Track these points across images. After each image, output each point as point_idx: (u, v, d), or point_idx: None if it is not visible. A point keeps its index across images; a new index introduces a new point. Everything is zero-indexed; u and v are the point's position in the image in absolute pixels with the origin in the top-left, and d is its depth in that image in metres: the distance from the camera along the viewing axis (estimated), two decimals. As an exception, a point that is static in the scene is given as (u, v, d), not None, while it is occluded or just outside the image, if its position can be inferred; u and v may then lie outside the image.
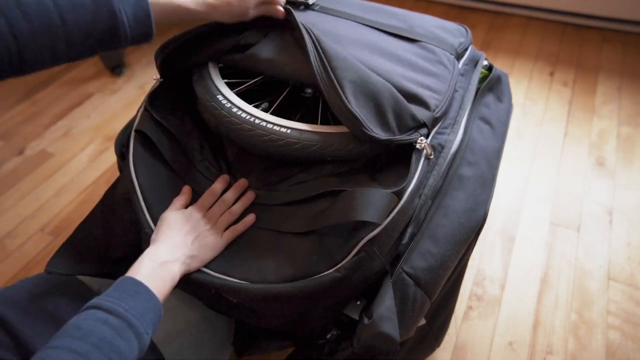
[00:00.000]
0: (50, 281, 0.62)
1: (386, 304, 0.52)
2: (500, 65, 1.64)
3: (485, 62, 0.81)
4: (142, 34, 0.56)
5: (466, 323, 0.96)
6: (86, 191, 1.28)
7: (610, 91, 1.52)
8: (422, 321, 0.65)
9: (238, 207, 0.61)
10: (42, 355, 0.37)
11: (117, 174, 0.76)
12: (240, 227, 0.59)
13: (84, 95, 1.62)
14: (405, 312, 0.54)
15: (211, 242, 0.57)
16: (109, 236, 0.66)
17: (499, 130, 0.74)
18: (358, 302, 0.60)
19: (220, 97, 0.63)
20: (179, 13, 0.58)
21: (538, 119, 1.44)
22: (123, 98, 1.60)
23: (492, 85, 0.78)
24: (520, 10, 1.87)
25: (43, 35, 0.48)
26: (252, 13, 0.66)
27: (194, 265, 0.54)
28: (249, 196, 0.62)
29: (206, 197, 0.61)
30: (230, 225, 0.60)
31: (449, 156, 0.64)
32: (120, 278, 0.48)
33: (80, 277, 0.65)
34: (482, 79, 0.77)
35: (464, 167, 0.65)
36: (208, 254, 0.56)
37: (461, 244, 0.60)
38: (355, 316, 0.58)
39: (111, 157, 1.38)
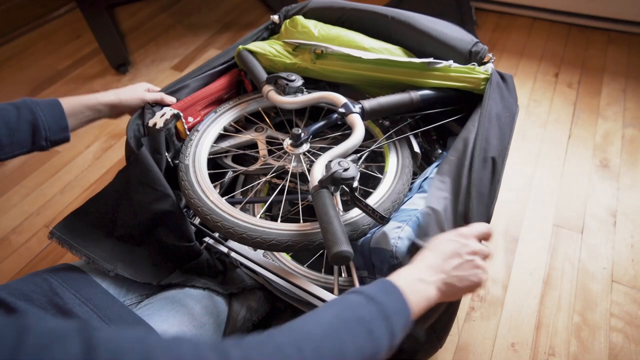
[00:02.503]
0: (58, 275, 0.63)
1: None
2: (504, 66, 1.64)
3: (490, 65, 0.81)
4: (61, 136, 0.68)
5: (468, 324, 0.96)
6: (91, 188, 1.29)
7: (615, 93, 1.51)
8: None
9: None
10: (310, 315, 0.41)
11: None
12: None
13: (89, 93, 1.62)
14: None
15: (474, 278, 0.51)
16: (117, 214, 0.69)
17: (505, 132, 0.74)
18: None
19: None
20: (84, 107, 0.73)
21: (542, 120, 1.43)
22: (128, 96, 1.61)
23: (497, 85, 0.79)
24: (525, 10, 1.87)
25: None
26: (149, 97, 0.79)
27: (449, 293, 0.50)
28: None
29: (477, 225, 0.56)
30: None
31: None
32: (380, 279, 0.48)
33: (87, 271, 0.66)
34: (482, 79, 0.77)
35: (481, 173, 0.65)
36: (463, 288, 0.51)
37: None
38: None
39: (115, 155, 1.39)
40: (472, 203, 0.60)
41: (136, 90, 0.79)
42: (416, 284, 0.48)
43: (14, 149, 0.63)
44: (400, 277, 0.48)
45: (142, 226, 0.69)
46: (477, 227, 0.55)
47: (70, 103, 0.70)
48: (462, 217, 0.60)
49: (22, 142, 0.64)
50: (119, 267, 0.66)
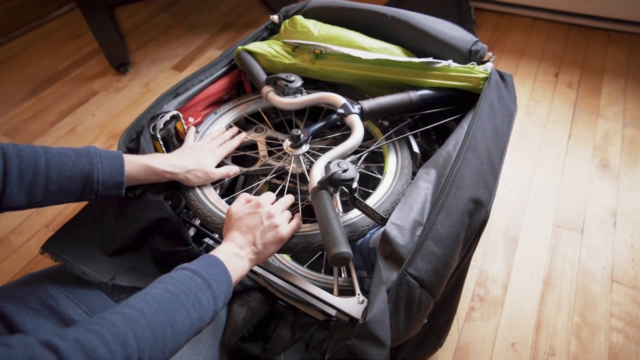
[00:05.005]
0: (52, 277, 0.62)
1: (380, 307, 0.53)
2: (504, 66, 1.64)
3: (490, 64, 0.81)
4: (112, 192, 0.63)
5: (468, 324, 0.96)
6: (91, 189, 1.29)
7: (615, 93, 1.51)
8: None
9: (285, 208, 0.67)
10: (146, 291, 0.47)
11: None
12: (299, 221, 0.66)
13: (89, 93, 1.63)
14: (411, 314, 0.54)
15: (275, 237, 0.61)
16: (109, 224, 0.69)
17: (502, 131, 0.74)
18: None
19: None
20: (147, 173, 0.67)
21: (542, 120, 1.43)
22: (128, 96, 1.61)
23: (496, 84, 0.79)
24: (525, 10, 1.86)
25: (27, 172, 0.55)
26: (217, 177, 0.76)
27: (260, 260, 0.61)
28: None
29: (267, 195, 0.67)
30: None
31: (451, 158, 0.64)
32: (204, 255, 0.55)
33: (80, 275, 0.65)
34: (482, 79, 0.77)
35: (466, 168, 0.65)
36: (271, 250, 0.61)
37: (464, 244, 0.61)
38: (357, 315, 0.59)
39: (116, 155, 1.39)
40: (444, 196, 0.61)
41: (206, 166, 0.74)
42: (233, 258, 0.57)
43: (60, 197, 0.59)
44: (220, 252, 0.56)
45: (136, 235, 0.68)
46: (266, 197, 0.66)
47: (134, 162, 0.65)
48: (439, 209, 0.60)
49: (71, 192, 0.59)
50: (117, 278, 0.65)
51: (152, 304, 0.45)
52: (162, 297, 0.46)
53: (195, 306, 0.48)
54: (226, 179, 0.85)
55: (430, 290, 0.56)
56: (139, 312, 0.43)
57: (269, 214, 0.62)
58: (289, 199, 0.68)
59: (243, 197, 0.66)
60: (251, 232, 0.60)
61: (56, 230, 0.69)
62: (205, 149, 0.76)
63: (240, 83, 0.96)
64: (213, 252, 0.56)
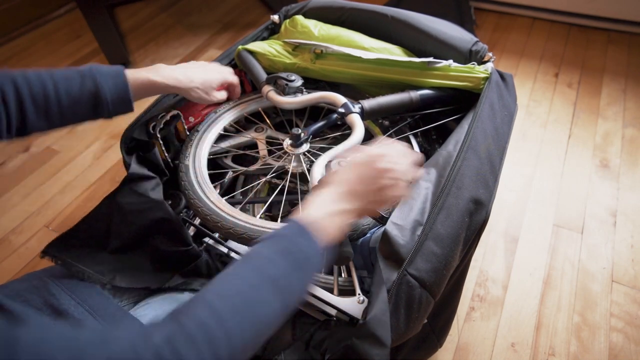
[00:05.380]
0: (54, 276, 0.63)
1: (380, 306, 0.53)
2: (504, 66, 1.64)
3: (490, 64, 0.81)
4: (122, 109, 0.65)
5: (468, 324, 0.96)
6: (91, 188, 1.29)
7: (615, 93, 1.51)
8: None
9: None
10: (231, 271, 0.42)
11: (121, 171, 0.77)
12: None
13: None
14: (411, 314, 0.54)
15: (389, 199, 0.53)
16: (110, 226, 0.68)
17: (502, 131, 0.74)
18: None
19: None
20: (150, 87, 0.68)
21: (542, 120, 1.43)
22: (128, 96, 1.61)
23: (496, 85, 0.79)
24: (525, 10, 1.87)
25: (39, 99, 0.57)
26: (214, 99, 0.77)
27: (364, 215, 0.53)
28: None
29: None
30: None
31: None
32: (294, 221, 0.47)
33: (79, 276, 0.65)
34: (482, 79, 0.78)
35: (467, 168, 0.65)
36: (380, 206, 0.53)
37: (464, 244, 0.61)
38: (358, 315, 0.59)
39: (115, 155, 1.39)
40: (444, 196, 0.61)
41: (212, 83, 0.75)
42: (333, 218, 0.48)
43: (76, 118, 0.62)
44: (319, 210, 0.48)
45: (136, 236, 0.68)
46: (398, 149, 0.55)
47: (133, 74, 0.66)
48: (439, 209, 0.60)
49: (85, 113, 0.62)
50: (117, 278, 0.65)
51: (243, 283, 0.41)
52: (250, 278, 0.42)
53: (288, 290, 0.43)
54: (226, 178, 0.85)
55: (430, 290, 0.55)
56: (231, 290, 0.41)
57: (398, 175, 0.53)
58: None
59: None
60: (370, 185, 0.52)
61: (56, 237, 0.68)
62: (210, 66, 0.77)
63: (240, 82, 0.96)
64: (309, 211, 0.48)
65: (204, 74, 0.74)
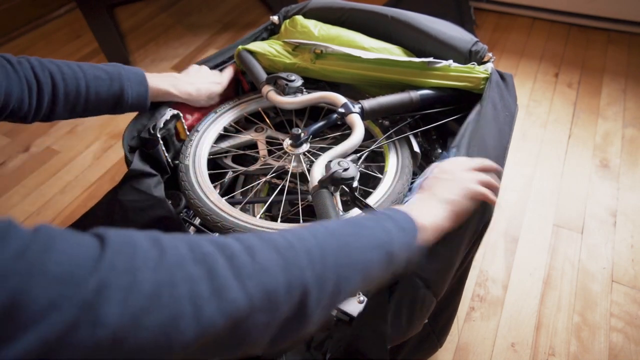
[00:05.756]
0: None
1: (380, 306, 0.53)
2: (504, 66, 1.64)
3: (490, 64, 0.81)
4: (138, 109, 0.75)
5: (468, 324, 0.96)
6: (91, 188, 1.29)
7: (615, 93, 1.51)
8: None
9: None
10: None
11: (121, 171, 0.77)
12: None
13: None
14: (414, 313, 0.54)
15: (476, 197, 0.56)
16: (110, 223, 0.68)
17: (504, 131, 0.74)
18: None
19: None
20: (166, 97, 0.78)
21: (542, 120, 1.43)
22: (128, 96, 1.61)
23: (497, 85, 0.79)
24: (525, 10, 1.87)
25: (71, 95, 0.66)
26: (211, 102, 0.87)
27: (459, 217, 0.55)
28: None
29: None
30: None
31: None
32: (403, 213, 0.50)
33: None
34: (482, 79, 0.78)
35: None
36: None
37: (467, 243, 0.60)
38: (354, 314, 0.59)
39: (115, 155, 1.39)
40: None
41: (214, 92, 0.85)
42: (431, 218, 0.51)
43: (95, 113, 0.71)
44: (421, 214, 0.51)
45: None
46: (480, 162, 0.60)
47: (155, 84, 0.75)
48: None
49: (105, 109, 0.71)
50: None
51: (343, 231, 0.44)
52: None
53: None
54: (226, 178, 0.85)
55: (433, 290, 0.55)
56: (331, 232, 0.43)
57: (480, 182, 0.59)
58: None
59: None
60: (454, 192, 0.57)
61: None
62: (212, 77, 0.86)
63: (238, 82, 0.96)
64: (411, 210, 0.52)
65: (209, 85, 0.83)
